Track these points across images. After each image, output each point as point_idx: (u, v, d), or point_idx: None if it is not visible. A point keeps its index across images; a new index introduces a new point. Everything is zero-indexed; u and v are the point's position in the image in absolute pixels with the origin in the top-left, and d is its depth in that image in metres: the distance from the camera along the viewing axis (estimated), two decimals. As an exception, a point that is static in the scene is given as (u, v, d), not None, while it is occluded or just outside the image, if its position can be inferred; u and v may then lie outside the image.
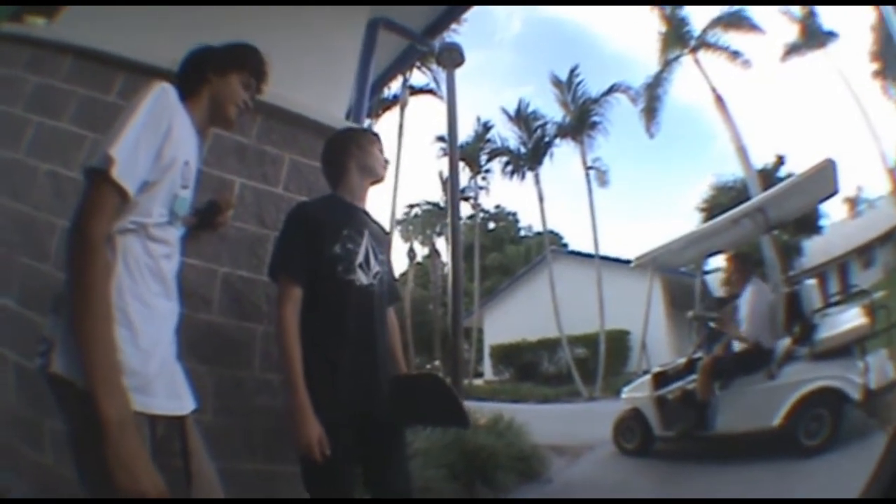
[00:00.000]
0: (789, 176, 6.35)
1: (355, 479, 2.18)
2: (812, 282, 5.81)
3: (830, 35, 21.02)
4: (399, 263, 36.88)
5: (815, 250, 25.21)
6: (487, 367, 23.66)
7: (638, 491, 4.91)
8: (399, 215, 31.13)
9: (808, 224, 23.45)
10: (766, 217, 5.72)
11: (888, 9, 5.00)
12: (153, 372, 1.47)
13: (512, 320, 22.83)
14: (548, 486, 5.08)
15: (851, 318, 4.90)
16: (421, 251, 34.32)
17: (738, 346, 5.53)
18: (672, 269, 10.58)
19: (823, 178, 5.40)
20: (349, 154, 2.34)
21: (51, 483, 2.20)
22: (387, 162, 2.46)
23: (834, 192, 5.89)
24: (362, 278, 2.17)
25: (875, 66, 22.81)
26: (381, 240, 2.37)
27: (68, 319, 1.32)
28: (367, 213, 2.38)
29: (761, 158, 25.81)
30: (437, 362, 25.88)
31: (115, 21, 2.91)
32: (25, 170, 2.59)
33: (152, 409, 1.44)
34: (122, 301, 1.41)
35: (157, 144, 1.48)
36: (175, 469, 1.54)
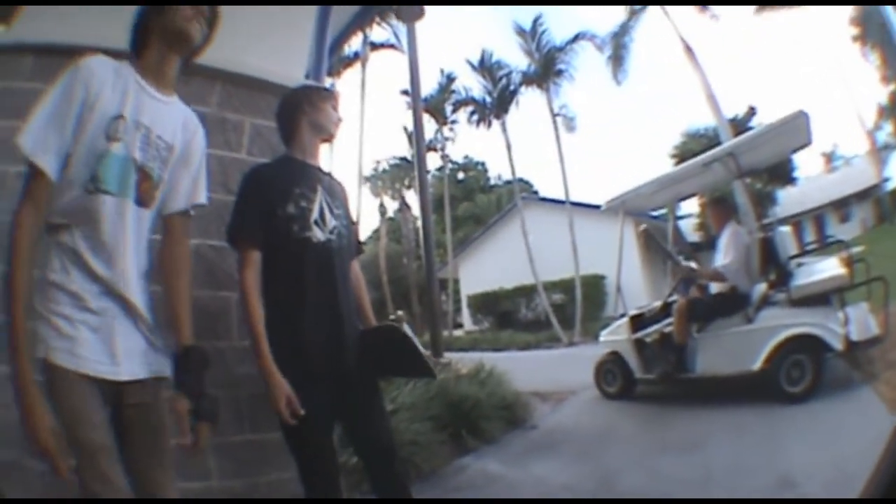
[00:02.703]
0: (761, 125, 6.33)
1: (332, 433, 2.22)
2: (787, 228, 5.87)
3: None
4: (370, 220, 36.65)
5: (790, 201, 25.59)
6: (466, 317, 23.84)
7: (623, 434, 4.99)
8: (367, 171, 30.90)
9: (782, 174, 23.74)
10: (737, 163, 5.70)
11: (888, 9, 4.96)
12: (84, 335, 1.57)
13: (487, 269, 22.89)
14: (532, 432, 5.20)
15: (829, 268, 4.95)
16: (392, 206, 34.13)
17: (714, 288, 5.61)
18: (644, 213, 10.59)
19: (796, 128, 5.39)
20: (301, 112, 2.32)
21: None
22: (340, 119, 2.43)
23: (807, 143, 5.88)
24: (318, 235, 2.19)
25: (855, 30, 22.82)
26: (337, 195, 2.37)
27: None
28: (320, 170, 2.37)
29: (733, 109, 25.84)
30: (400, 312, 26.00)
31: (70, 13, 2.79)
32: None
33: (82, 368, 1.54)
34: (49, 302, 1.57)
35: (74, 113, 1.57)
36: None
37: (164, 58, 1.76)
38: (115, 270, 1.64)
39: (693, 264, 5.96)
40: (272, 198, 2.15)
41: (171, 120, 1.81)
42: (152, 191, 1.75)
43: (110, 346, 1.61)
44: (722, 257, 5.42)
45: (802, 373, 4.67)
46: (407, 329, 2.31)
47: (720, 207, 5.90)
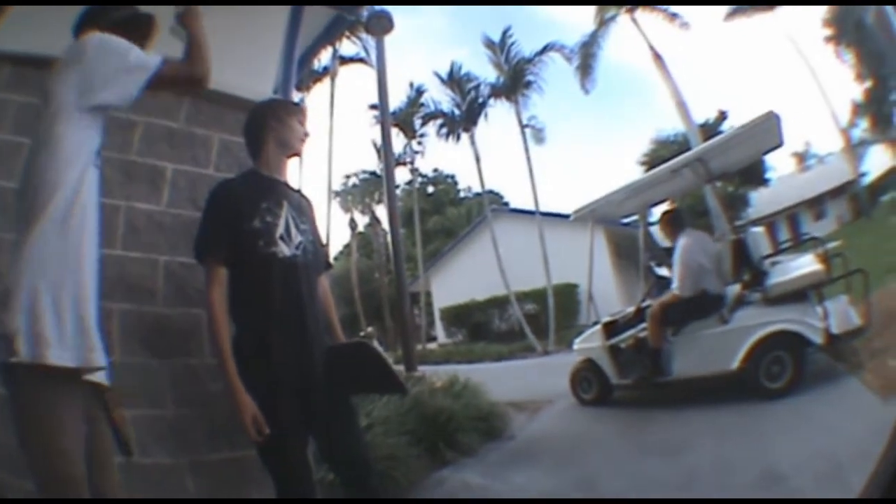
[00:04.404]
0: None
1: (305, 449, 2.21)
2: (759, 229, 5.89)
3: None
4: (341, 234, 36.39)
5: (763, 201, 25.99)
6: (440, 330, 23.77)
7: (600, 440, 5.00)
8: (337, 186, 30.79)
9: (754, 175, 24.16)
10: (706, 167, 5.76)
11: (888, 9, 5.07)
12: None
13: (459, 282, 22.87)
14: (510, 443, 5.17)
15: (805, 265, 4.99)
16: (362, 221, 34.01)
17: None
18: (615, 221, 10.65)
19: (766, 130, 5.42)
20: (267, 127, 2.33)
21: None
22: (306, 134, 2.43)
23: (778, 145, 5.94)
24: (284, 250, 2.19)
25: (828, 31, 23.41)
26: (304, 210, 2.38)
27: None
28: (287, 185, 2.37)
29: (704, 114, 26.28)
30: (370, 328, 25.88)
31: (51, 23, 2.76)
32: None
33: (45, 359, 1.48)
34: None
35: None
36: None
37: None
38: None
39: (665, 271, 6.02)
40: (238, 213, 2.15)
41: None
42: None
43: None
44: (676, 277, 5.49)
45: (783, 368, 4.71)
46: (376, 345, 2.31)
47: (668, 221, 5.97)
